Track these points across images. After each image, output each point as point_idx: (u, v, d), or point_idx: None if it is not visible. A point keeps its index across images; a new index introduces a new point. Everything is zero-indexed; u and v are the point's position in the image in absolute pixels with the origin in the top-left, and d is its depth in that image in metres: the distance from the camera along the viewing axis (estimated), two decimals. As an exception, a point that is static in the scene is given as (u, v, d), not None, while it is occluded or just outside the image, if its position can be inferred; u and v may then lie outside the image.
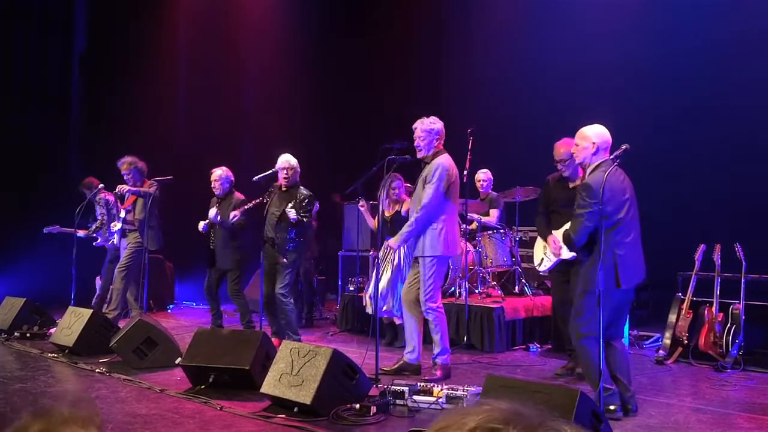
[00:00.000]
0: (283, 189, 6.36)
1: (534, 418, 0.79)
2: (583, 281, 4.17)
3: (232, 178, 7.03)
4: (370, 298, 6.39)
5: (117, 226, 7.49)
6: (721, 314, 5.68)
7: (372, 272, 6.49)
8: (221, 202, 6.98)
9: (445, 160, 5.15)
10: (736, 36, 7.44)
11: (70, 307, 6.57)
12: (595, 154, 4.18)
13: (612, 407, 4.07)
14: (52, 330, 6.64)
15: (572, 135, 5.09)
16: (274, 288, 6.28)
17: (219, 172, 7.02)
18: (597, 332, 3.96)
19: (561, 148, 5.13)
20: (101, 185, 7.71)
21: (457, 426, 0.80)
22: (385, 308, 6.16)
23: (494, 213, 7.30)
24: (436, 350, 5.21)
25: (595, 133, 4.21)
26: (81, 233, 8.02)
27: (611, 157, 4.08)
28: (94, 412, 1.03)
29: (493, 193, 7.47)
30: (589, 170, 4.26)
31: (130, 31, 10.60)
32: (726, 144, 7.35)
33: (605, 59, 8.26)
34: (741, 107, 7.34)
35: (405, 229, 5.17)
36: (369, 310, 6.37)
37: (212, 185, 7.01)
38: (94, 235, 8.02)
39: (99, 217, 8.01)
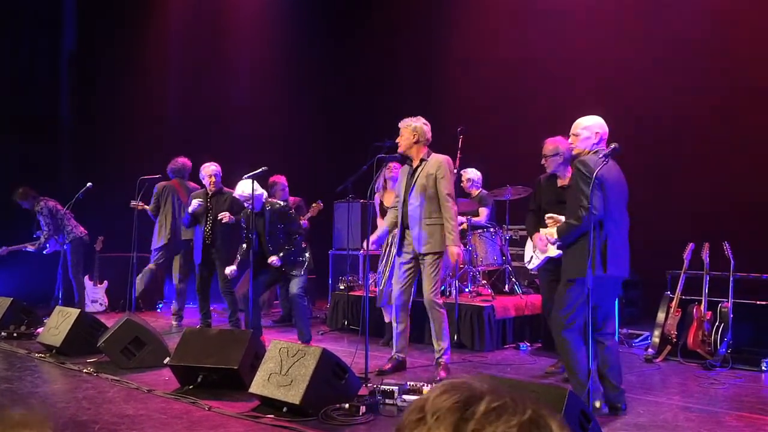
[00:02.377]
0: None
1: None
2: (569, 267, 4.14)
3: (221, 174, 6.98)
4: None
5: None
6: (710, 312, 5.70)
7: (382, 264, 6.35)
8: (212, 198, 6.87)
9: (445, 157, 5.25)
10: (730, 32, 7.45)
11: (57, 306, 6.53)
12: (597, 144, 4.21)
13: (597, 404, 4.07)
14: (40, 330, 6.59)
15: (563, 133, 5.11)
16: (264, 289, 6.28)
17: (214, 168, 6.88)
18: (580, 325, 3.95)
19: (549, 144, 5.17)
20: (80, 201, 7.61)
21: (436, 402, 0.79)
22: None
23: (483, 212, 7.28)
24: (440, 350, 5.19)
25: (597, 123, 4.25)
26: (31, 248, 7.98)
27: (601, 156, 4.08)
28: (47, 416, 1.00)
29: (484, 191, 7.46)
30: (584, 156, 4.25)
31: (120, 28, 10.53)
32: (715, 142, 7.37)
33: (596, 57, 8.26)
34: (732, 106, 7.35)
35: (453, 232, 5.05)
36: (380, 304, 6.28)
37: (205, 180, 6.88)
38: (46, 244, 7.95)
39: (45, 228, 7.91)
